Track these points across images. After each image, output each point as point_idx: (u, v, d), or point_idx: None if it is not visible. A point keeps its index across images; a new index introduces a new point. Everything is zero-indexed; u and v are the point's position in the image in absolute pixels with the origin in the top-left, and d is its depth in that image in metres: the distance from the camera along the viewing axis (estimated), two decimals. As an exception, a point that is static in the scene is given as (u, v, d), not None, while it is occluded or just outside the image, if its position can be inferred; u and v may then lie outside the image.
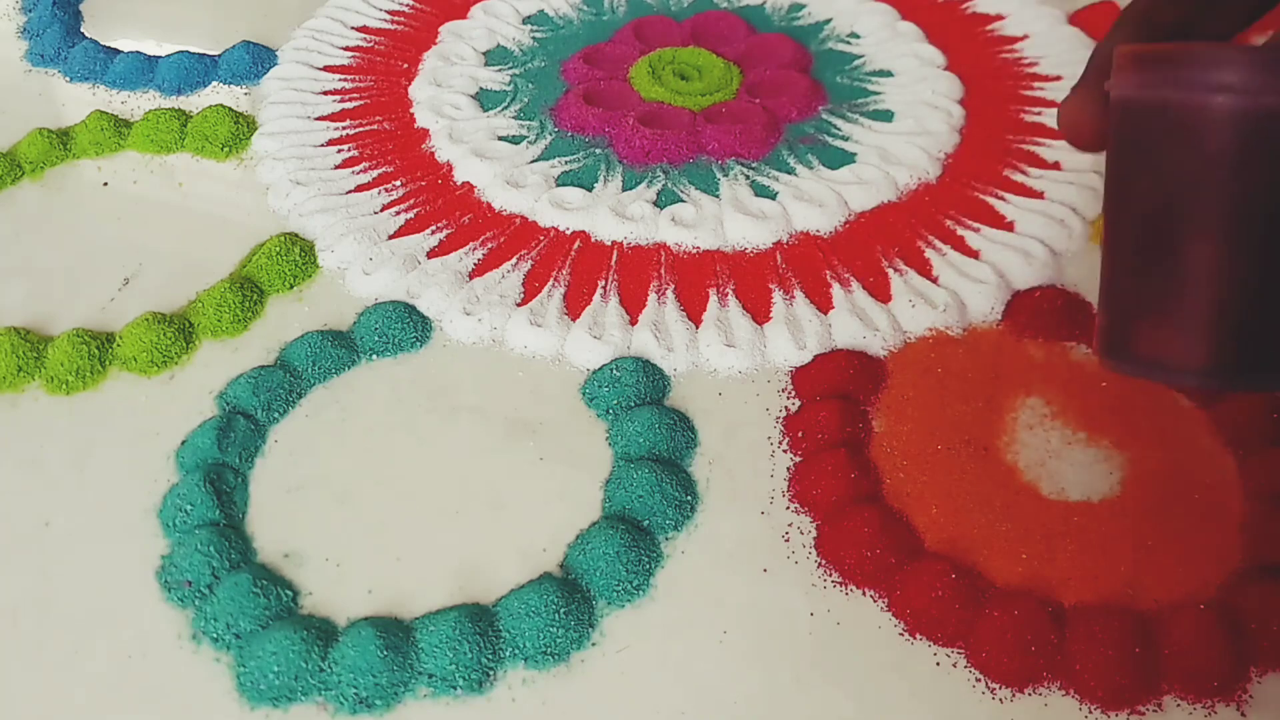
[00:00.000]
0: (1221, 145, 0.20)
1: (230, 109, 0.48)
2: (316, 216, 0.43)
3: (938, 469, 0.33)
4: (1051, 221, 0.41)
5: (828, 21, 0.54)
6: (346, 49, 0.53)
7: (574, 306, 0.39)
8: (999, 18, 0.53)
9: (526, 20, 0.55)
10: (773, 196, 0.43)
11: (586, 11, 0.55)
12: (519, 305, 0.39)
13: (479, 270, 0.40)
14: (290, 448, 0.35)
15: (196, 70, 0.51)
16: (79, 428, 0.36)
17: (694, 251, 0.41)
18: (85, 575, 0.32)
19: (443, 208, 0.44)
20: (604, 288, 0.39)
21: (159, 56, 0.52)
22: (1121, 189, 0.22)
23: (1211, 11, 0.24)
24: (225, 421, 0.35)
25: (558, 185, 0.44)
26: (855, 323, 0.37)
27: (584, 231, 0.42)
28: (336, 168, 0.45)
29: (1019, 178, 0.43)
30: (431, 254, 0.41)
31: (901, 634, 0.30)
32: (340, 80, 0.51)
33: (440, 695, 0.29)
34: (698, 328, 0.38)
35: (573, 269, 0.40)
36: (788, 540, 0.32)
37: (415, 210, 0.43)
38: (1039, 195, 0.42)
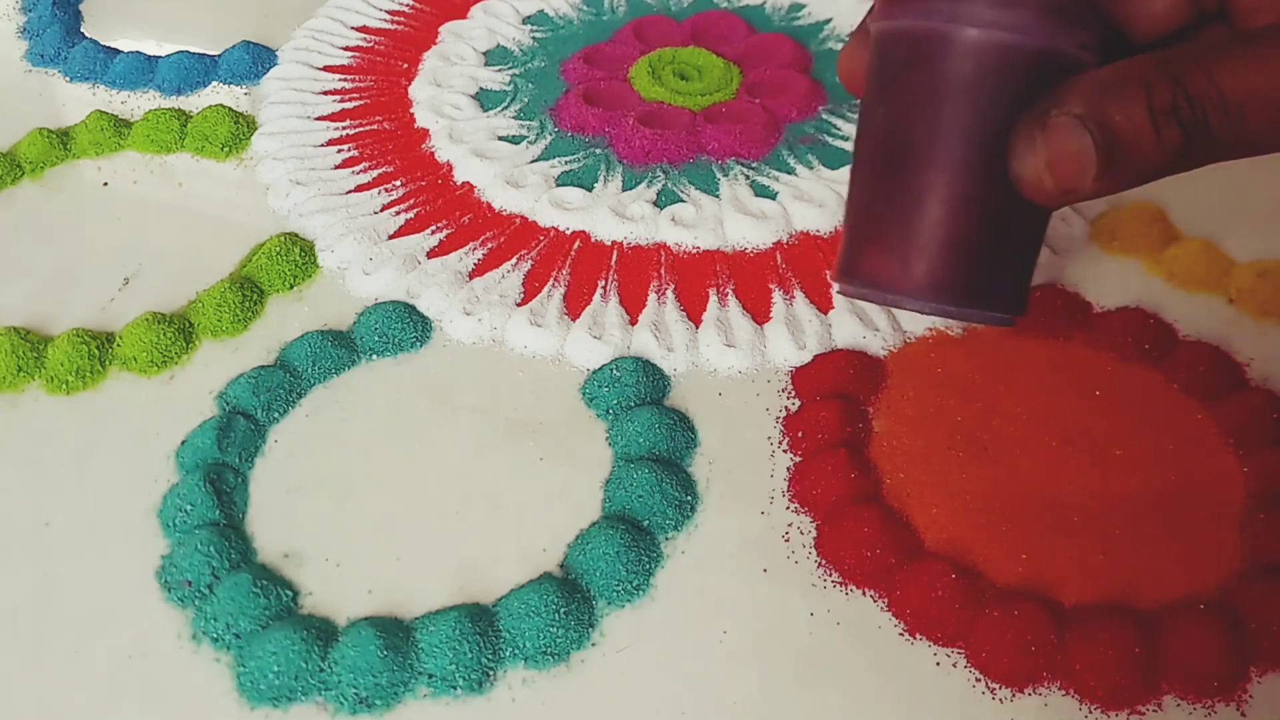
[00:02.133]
0: (953, 73, 0.21)
1: (230, 109, 0.48)
2: (316, 216, 0.43)
3: (938, 469, 0.33)
4: (1051, 221, 0.41)
5: (828, 21, 0.54)
6: (346, 49, 0.53)
7: (574, 306, 0.39)
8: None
9: (526, 20, 0.55)
10: (773, 196, 0.43)
11: (586, 11, 0.55)
12: (519, 305, 0.39)
13: (479, 270, 0.40)
14: (290, 448, 0.35)
15: (196, 70, 0.51)
16: (79, 428, 0.36)
17: (694, 251, 0.41)
18: (85, 575, 0.32)
19: (443, 208, 0.44)
20: (604, 288, 0.39)
21: (159, 56, 0.52)
22: (865, 117, 0.22)
23: None
24: (225, 421, 0.35)
25: (558, 185, 0.44)
26: (855, 323, 0.37)
27: (584, 231, 0.42)
28: (336, 168, 0.45)
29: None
30: (431, 254, 0.41)
31: (901, 634, 0.30)
32: (340, 80, 0.51)
33: (440, 695, 0.29)
34: (698, 328, 0.38)
35: (573, 269, 0.40)
36: (788, 540, 0.32)
37: (415, 210, 0.43)
38: None
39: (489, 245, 0.42)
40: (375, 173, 0.45)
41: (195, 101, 0.50)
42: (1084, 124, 0.19)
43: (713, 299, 0.39)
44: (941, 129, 0.21)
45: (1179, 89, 0.19)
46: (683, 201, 0.43)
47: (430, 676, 0.29)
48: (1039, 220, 0.22)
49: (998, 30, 0.20)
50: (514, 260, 0.41)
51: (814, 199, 0.42)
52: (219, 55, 0.52)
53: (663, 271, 0.40)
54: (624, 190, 0.44)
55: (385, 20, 0.55)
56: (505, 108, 0.49)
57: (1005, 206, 0.21)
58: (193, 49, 0.52)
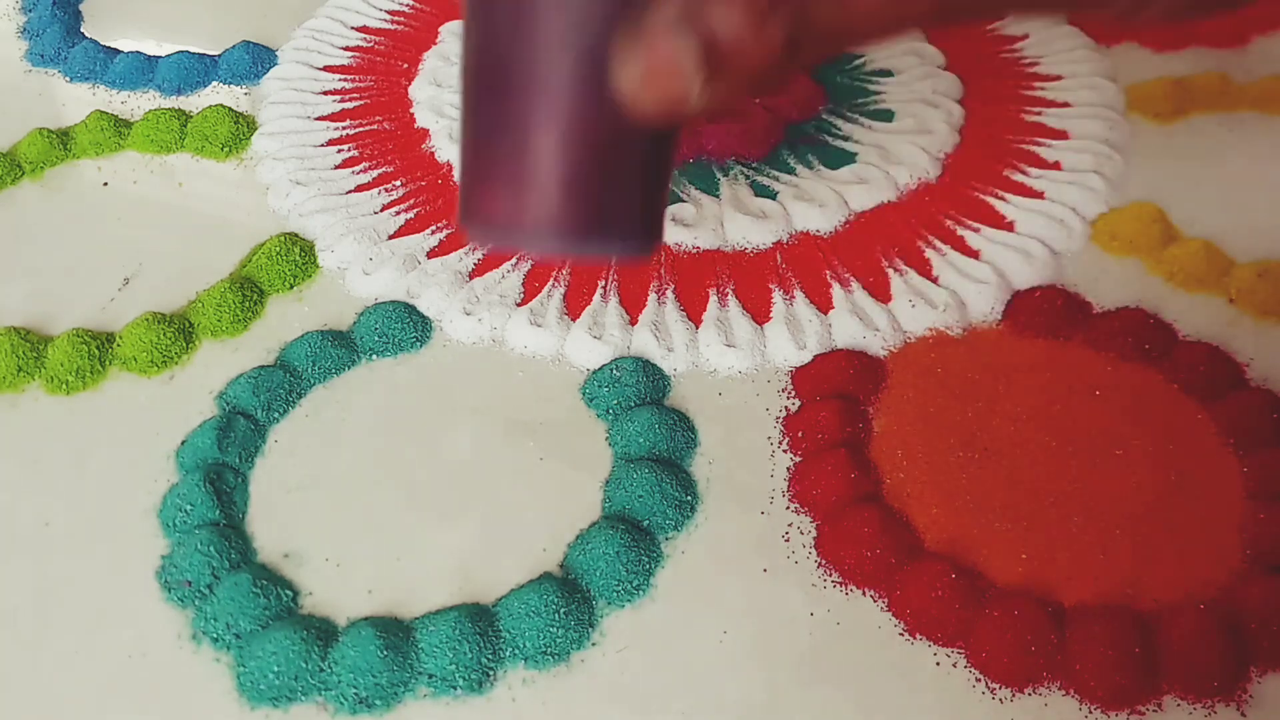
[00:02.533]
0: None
1: (230, 109, 0.48)
2: (316, 216, 0.43)
3: (938, 469, 0.33)
4: (1051, 221, 0.41)
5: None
6: (346, 49, 0.53)
7: (574, 306, 0.39)
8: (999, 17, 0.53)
9: (526, 20, 0.55)
10: (773, 196, 0.43)
11: (586, 11, 0.55)
12: (519, 305, 0.39)
13: (479, 270, 0.40)
14: (290, 448, 0.35)
15: (196, 70, 0.51)
16: (79, 428, 0.36)
17: (694, 251, 0.41)
18: (85, 575, 0.32)
19: (443, 208, 0.43)
20: (604, 288, 0.39)
21: (159, 56, 0.52)
22: (464, 34, 0.20)
23: None
24: (225, 421, 0.35)
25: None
26: (855, 323, 0.37)
27: (584, 231, 0.42)
28: (336, 168, 0.45)
29: (1019, 178, 0.43)
30: (431, 254, 0.41)
31: (901, 634, 0.30)
32: (340, 80, 0.51)
33: (440, 695, 0.29)
34: (698, 328, 0.38)
35: (572, 269, 0.40)
36: (788, 540, 0.32)
37: (415, 210, 0.43)
38: (1039, 195, 0.42)
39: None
40: (375, 173, 0.45)
41: (195, 101, 0.50)
42: (680, 26, 0.17)
43: (713, 299, 0.39)
44: (537, 44, 0.19)
45: None
46: (683, 201, 0.43)
47: (430, 676, 0.29)
48: (663, 140, 0.20)
49: None
50: (514, 260, 0.41)
51: (814, 199, 0.42)
52: (219, 55, 0.52)
53: (663, 271, 0.40)
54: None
55: (385, 20, 0.55)
56: (505, 108, 0.48)
57: (616, 131, 0.19)
58: (193, 49, 0.52)
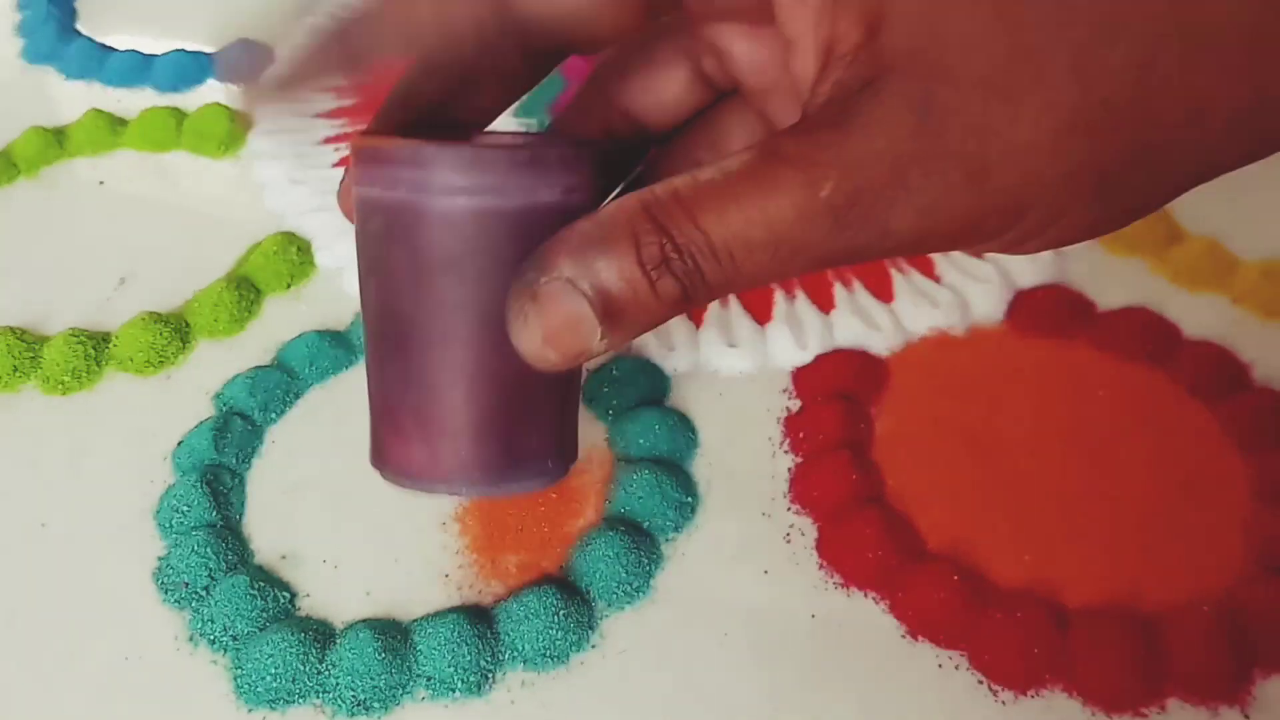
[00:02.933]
0: (434, 246, 0.19)
1: (227, 107, 0.48)
2: (314, 215, 0.43)
3: (940, 470, 0.33)
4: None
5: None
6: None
7: (573, 306, 0.39)
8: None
9: (525, 17, 0.54)
10: (773, 195, 0.42)
11: (586, 8, 0.55)
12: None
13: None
14: (288, 448, 0.35)
15: (193, 68, 0.51)
16: (75, 428, 0.36)
17: (694, 250, 0.40)
18: (82, 577, 0.32)
19: (441, 206, 0.43)
20: (604, 287, 0.39)
21: (155, 54, 0.51)
22: (362, 289, 0.20)
23: (470, 89, 0.22)
24: (222, 422, 0.35)
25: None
26: (857, 322, 0.37)
27: (583, 230, 0.42)
28: (334, 166, 0.45)
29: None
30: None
31: (903, 636, 0.29)
32: (338, 78, 0.50)
33: (439, 698, 0.29)
34: (698, 328, 0.38)
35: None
36: (789, 542, 0.32)
37: (414, 209, 0.43)
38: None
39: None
40: (373, 171, 0.45)
41: (191, 99, 0.50)
42: (576, 287, 0.18)
43: (713, 298, 0.39)
44: (434, 306, 0.19)
45: (667, 239, 0.18)
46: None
47: (429, 679, 0.29)
48: (566, 376, 0.20)
49: (468, 196, 0.18)
50: (513, 259, 0.41)
51: (815, 197, 0.42)
52: (216, 53, 0.51)
53: (663, 270, 0.40)
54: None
55: (383, 17, 0.55)
56: (504, 105, 0.48)
57: (520, 376, 0.19)
58: (189, 46, 0.52)
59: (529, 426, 0.20)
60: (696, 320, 0.38)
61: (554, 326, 0.18)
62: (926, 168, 0.17)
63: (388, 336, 0.20)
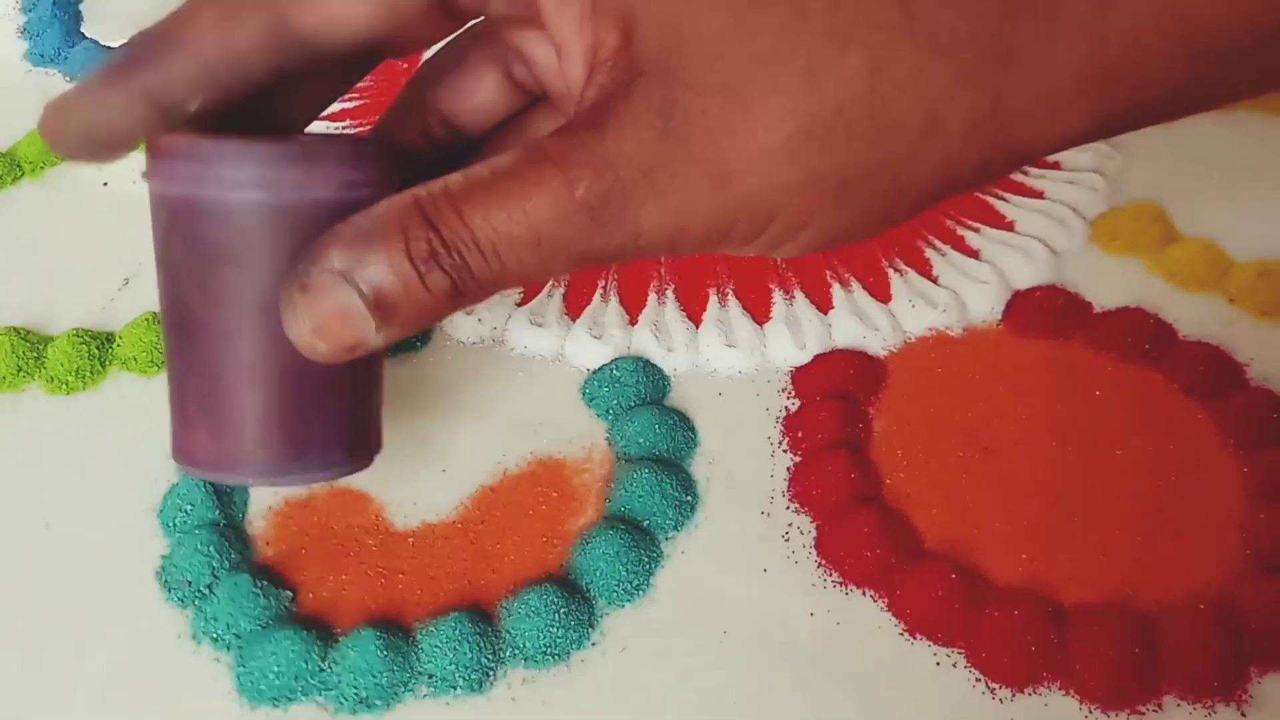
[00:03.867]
0: (210, 239, 0.19)
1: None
2: (316, 216, 0.43)
3: (938, 469, 0.33)
4: (1052, 221, 0.41)
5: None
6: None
7: (574, 306, 0.39)
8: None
9: (526, 20, 0.55)
10: (773, 196, 0.43)
11: (586, 11, 0.55)
12: (519, 305, 0.39)
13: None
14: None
15: (196, 70, 0.51)
16: (79, 428, 0.36)
17: (694, 251, 0.41)
18: (85, 575, 0.32)
19: (443, 208, 0.43)
20: (604, 287, 0.39)
21: (159, 56, 0.52)
22: (158, 282, 0.21)
23: (287, 92, 0.22)
24: (225, 421, 0.35)
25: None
26: (855, 323, 0.37)
27: (584, 231, 0.42)
28: (336, 168, 0.45)
29: (1019, 177, 0.43)
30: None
31: (901, 634, 0.30)
32: (340, 80, 0.51)
33: (440, 695, 0.29)
34: (698, 328, 0.38)
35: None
36: (788, 540, 0.32)
37: (415, 210, 0.43)
38: (1039, 195, 0.42)
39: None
40: (375, 173, 0.45)
41: (195, 101, 0.50)
42: (346, 279, 0.18)
43: (713, 299, 0.39)
44: (214, 299, 0.19)
45: (434, 234, 0.18)
46: (683, 201, 0.43)
47: (430, 676, 0.29)
48: (353, 367, 0.20)
49: (242, 190, 0.19)
50: (514, 260, 0.41)
51: (814, 199, 0.42)
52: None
53: (663, 271, 0.40)
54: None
55: (385, 20, 0.55)
56: (505, 108, 0.48)
57: (301, 367, 0.19)
58: (193, 49, 0.52)
59: (313, 418, 0.20)
60: (696, 320, 0.38)
61: (323, 318, 0.18)
62: (672, 170, 0.18)
63: (175, 328, 0.20)
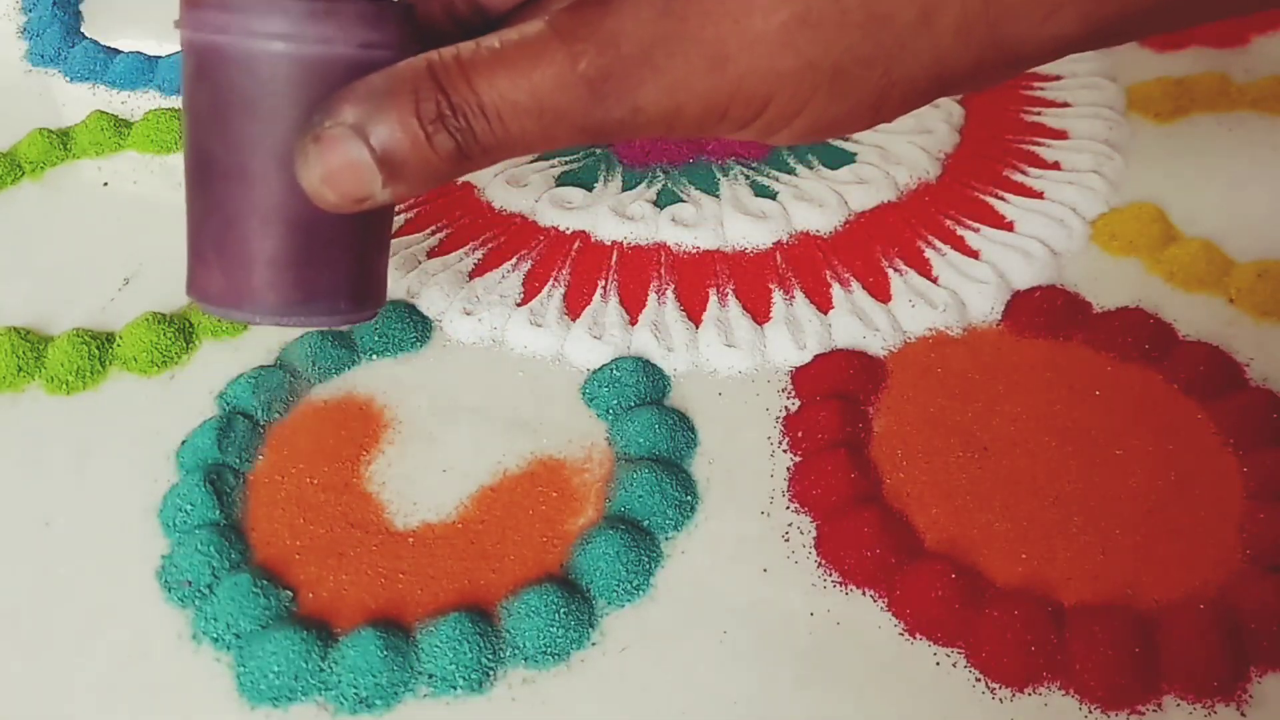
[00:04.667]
0: (231, 85, 0.20)
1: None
2: (316, 216, 0.43)
3: (938, 469, 0.33)
4: (1051, 221, 0.41)
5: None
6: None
7: (574, 306, 0.39)
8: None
9: (526, 20, 0.55)
10: (773, 196, 0.43)
11: (586, 11, 0.55)
12: (519, 305, 0.39)
13: (479, 270, 0.40)
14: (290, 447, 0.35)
15: (196, 70, 0.51)
16: (79, 427, 0.36)
17: (694, 251, 0.41)
18: (85, 575, 0.32)
19: (443, 207, 0.44)
20: (604, 288, 0.39)
21: (159, 56, 0.52)
22: (183, 128, 0.22)
23: None
24: (225, 421, 0.35)
25: (558, 185, 0.44)
26: (855, 323, 0.37)
27: (584, 231, 0.42)
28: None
29: (1019, 177, 0.43)
30: (431, 254, 0.41)
31: (901, 634, 0.30)
32: (340, 80, 0.51)
33: (440, 695, 0.29)
34: (698, 328, 0.38)
35: (573, 269, 0.40)
36: (788, 540, 0.32)
37: (415, 210, 0.43)
38: (1039, 195, 0.42)
39: (489, 245, 0.42)
40: (375, 173, 0.45)
41: (195, 101, 0.50)
42: (357, 134, 0.19)
43: (713, 299, 0.39)
44: (233, 144, 0.21)
45: (443, 97, 0.19)
46: (683, 201, 0.43)
47: (430, 676, 0.29)
48: (362, 220, 0.22)
49: (264, 39, 0.20)
50: (514, 260, 0.41)
51: (814, 199, 0.42)
52: None
53: (663, 271, 0.40)
54: (624, 190, 0.44)
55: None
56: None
57: (312, 215, 0.21)
58: (193, 49, 0.52)
59: (320, 264, 0.22)
60: (696, 320, 0.38)
61: (332, 168, 0.19)
62: (670, 49, 0.19)
63: (196, 172, 0.21)
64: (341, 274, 0.22)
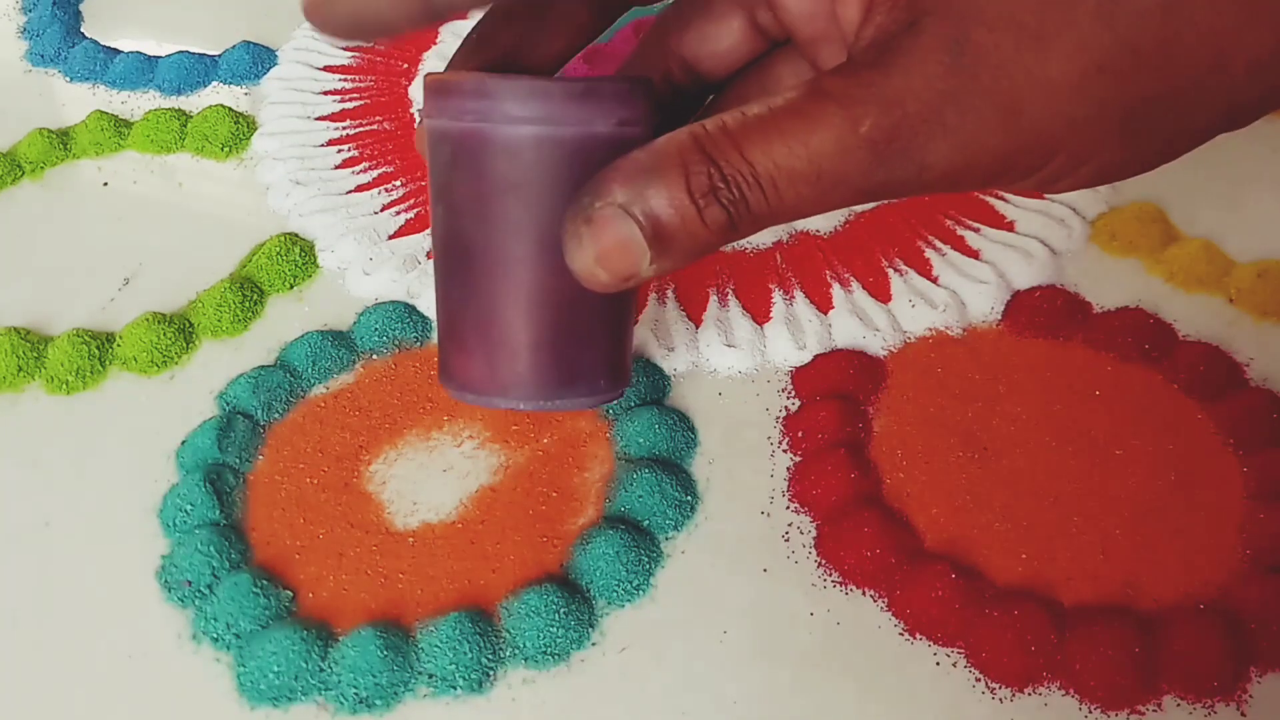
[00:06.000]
0: (494, 172, 0.20)
1: (230, 109, 0.48)
2: (316, 216, 0.43)
3: (938, 469, 0.33)
4: (1051, 221, 0.41)
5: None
6: (347, 49, 0.53)
7: (574, 306, 0.39)
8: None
9: (526, 20, 0.55)
10: (773, 196, 0.43)
11: (586, 11, 0.55)
12: (519, 305, 0.39)
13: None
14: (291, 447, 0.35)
15: (196, 70, 0.51)
16: (79, 428, 0.36)
17: (694, 251, 0.41)
18: (85, 575, 0.32)
19: (443, 208, 0.44)
20: (604, 288, 0.39)
21: (159, 56, 0.52)
22: (432, 216, 0.22)
23: (542, 34, 0.23)
24: (225, 421, 0.35)
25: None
26: (855, 323, 0.37)
27: (584, 231, 0.42)
28: (336, 168, 0.45)
29: (1019, 178, 0.43)
30: (431, 254, 0.41)
31: (901, 634, 0.30)
32: (340, 80, 0.51)
33: (440, 695, 0.29)
34: (698, 328, 0.38)
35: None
36: (788, 540, 0.32)
37: (415, 210, 0.43)
38: (1039, 195, 0.42)
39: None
40: (375, 173, 0.45)
41: (195, 101, 0.50)
42: (627, 212, 0.19)
43: (713, 299, 0.39)
44: (495, 229, 0.20)
45: (714, 169, 0.19)
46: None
47: (430, 676, 0.29)
48: (620, 298, 0.22)
49: (528, 125, 0.20)
50: (514, 260, 0.41)
51: (814, 199, 0.42)
52: (219, 55, 0.52)
53: (663, 271, 0.40)
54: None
55: (385, 20, 0.55)
56: (505, 108, 0.48)
57: (575, 296, 0.21)
58: (193, 49, 0.52)
59: (582, 345, 0.22)
60: (696, 320, 0.38)
61: (606, 248, 0.19)
62: (961, 105, 0.18)
63: (453, 259, 0.21)
64: (601, 353, 0.22)
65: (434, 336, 0.38)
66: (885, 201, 0.25)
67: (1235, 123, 0.20)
